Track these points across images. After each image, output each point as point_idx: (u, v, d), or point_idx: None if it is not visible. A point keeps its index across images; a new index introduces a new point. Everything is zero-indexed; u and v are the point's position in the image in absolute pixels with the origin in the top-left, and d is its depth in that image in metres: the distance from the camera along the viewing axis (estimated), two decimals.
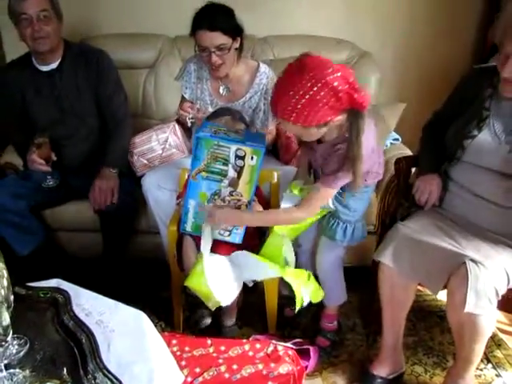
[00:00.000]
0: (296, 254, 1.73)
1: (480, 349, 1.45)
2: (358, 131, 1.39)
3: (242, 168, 1.49)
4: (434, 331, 1.93)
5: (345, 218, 1.66)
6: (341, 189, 1.56)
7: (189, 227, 1.64)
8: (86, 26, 2.60)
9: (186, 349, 1.40)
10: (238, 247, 1.64)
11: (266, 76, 1.96)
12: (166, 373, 1.04)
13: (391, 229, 1.61)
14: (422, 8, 2.61)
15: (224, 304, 1.58)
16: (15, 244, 1.93)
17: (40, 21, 1.86)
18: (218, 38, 1.79)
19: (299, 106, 1.31)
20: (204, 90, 2.02)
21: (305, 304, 1.62)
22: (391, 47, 2.68)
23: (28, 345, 1.00)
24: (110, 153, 2.01)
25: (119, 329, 1.06)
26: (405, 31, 2.65)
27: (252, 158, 1.47)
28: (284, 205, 1.61)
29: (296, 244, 1.83)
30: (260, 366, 1.33)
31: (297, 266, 1.69)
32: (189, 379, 1.25)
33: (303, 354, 1.64)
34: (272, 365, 1.33)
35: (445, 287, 1.44)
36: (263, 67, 1.98)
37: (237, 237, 1.64)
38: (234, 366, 1.32)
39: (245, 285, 1.76)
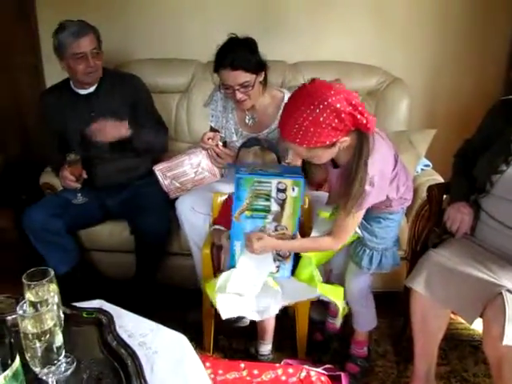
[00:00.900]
0: (328, 279, 1.74)
1: None
2: (360, 153, 1.39)
3: (284, 201, 1.51)
4: (468, 362, 1.89)
5: (372, 245, 1.66)
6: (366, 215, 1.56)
7: None
8: (121, 52, 2.70)
9: (220, 372, 1.42)
10: None
11: None
12: None
13: (423, 255, 1.61)
14: (452, 39, 2.62)
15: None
16: (53, 263, 1.98)
17: (93, 57, 1.99)
18: (241, 77, 1.82)
19: (303, 128, 1.33)
20: (229, 119, 2.06)
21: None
22: (421, 74, 2.69)
23: (75, 363, 1.04)
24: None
25: (161, 351, 1.09)
26: (434, 57, 2.66)
27: (293, 189, 1.49)
28: (315, 233, 1.62)
29: (327, 268, 1.84)
30: None
31: None
32: None
33: (334, 380, 1.63)
34: None
35: (479, 316, 1.43)
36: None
37: (285, 271, 1.65)
38: None
39: None
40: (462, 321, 1.93)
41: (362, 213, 1.52)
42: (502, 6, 2.54)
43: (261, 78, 1.91)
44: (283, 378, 1.42)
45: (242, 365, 1.45)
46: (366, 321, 1.83)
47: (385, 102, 2.47)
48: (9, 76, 2.54)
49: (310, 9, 2.61)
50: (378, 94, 2.49)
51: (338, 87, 1.36)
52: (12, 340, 0.85)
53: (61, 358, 0.94)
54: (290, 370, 1.44)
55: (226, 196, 1.87)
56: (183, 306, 2.14)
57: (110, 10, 2.64)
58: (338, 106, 1.31)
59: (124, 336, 1.13)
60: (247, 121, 2.04)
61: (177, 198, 2.05)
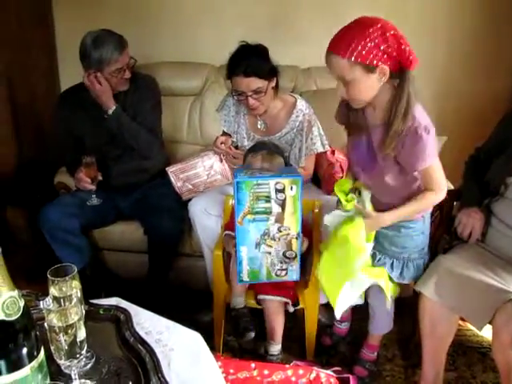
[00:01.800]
0: None
1: None
2: (402, 91, 1.41)
3: (284, 201, 1.53)
4: (476, 369, 1.89)
5: (391, 253, 1.66)
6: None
7: (245, 276, 1.66)
8: (137, 56, 2.71)
9: (231, 371, 1.44)
10: None
11: (303, 113, 1.99)
12: None
13: (433, 261, 1.63)
14: (461, 43, 2.64)
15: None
16: (68, 262, 2.01)
17: (128, 68, 2.05)
18: (254, 83, 1.86)
19: (349, 37, 1.34)
20: (241, 124, 2.09)
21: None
22: (431, 80, 2.70)
23: (94, 358, 1.07)
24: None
25: (178, 348, 1.12)
26: (445, 63, 2.68)
27: (291, 188, 1.51)
28: (328, 217, 1.62)
29: None
30: None
31: None
32: None
33: (343, 382, 1.65)
34: None
35: (489, 323, 1.45)
36: (300, 104, 2.02)
37: (294, 274, 1.67)
38: None
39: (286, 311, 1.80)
40: (471, 327, 1.96)
41: (438, 160, 1.51)
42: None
43: (273, 84, 1.94)
44: (293, 378, 1.43)
45: (253, 365, 1.46)
46: (384, 324, 1.83)
47: None
48: (25, 77, 2.57)
49: (322, 13, 2.64)
50: None
51: None
52: (37, 333, 0.88)
53: (83, 351, 0.97)
54: (300, 371, 1.46)
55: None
56: (194, 307, 2.15)
57: (127, 14, 2.69)
58: (386, 26, 1.35)
59: (141, 333, 1.16)
60: (259, 125, 2.07)
61: (189, 200, 2.08)
